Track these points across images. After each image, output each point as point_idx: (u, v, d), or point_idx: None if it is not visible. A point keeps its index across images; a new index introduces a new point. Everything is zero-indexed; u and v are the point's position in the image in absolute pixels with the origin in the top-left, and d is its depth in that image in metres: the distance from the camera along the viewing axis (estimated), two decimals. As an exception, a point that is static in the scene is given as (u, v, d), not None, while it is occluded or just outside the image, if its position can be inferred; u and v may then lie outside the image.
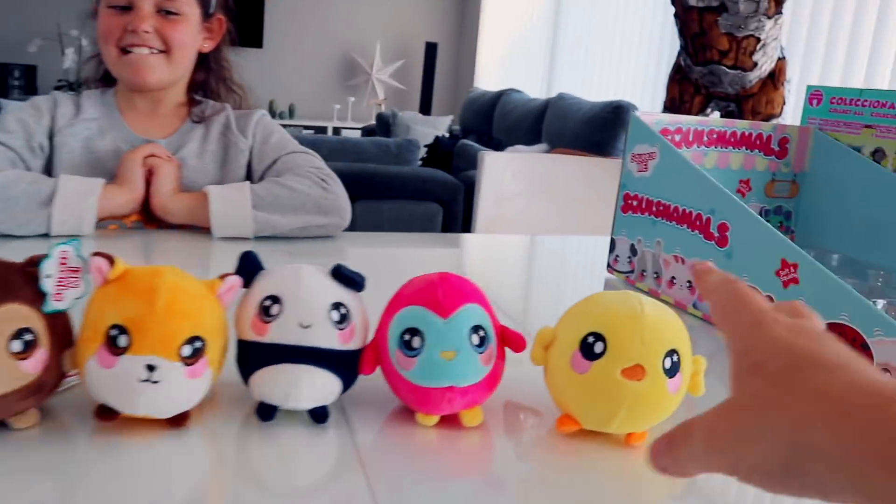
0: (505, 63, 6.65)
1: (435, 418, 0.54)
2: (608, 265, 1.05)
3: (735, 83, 2.61)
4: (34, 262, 0.49)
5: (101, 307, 0.49)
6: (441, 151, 3.90)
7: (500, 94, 5.37)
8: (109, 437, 0.50)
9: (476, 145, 3.78)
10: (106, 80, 1.28)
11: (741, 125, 1.07)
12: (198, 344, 0.49)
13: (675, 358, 0.51)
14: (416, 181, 3.08)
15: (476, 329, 0.52)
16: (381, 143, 3.31)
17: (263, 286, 0.52)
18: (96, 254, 0.49)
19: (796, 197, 1.13)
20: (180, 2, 1.16)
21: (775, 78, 2.66)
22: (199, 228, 1.10)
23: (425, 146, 4.07)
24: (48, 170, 1.14)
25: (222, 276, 0.52)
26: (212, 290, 0.52)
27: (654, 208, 0.95)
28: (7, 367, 0.47)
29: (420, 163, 3.85)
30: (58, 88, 6.58)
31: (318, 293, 0.52)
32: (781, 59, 2.63)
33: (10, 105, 1.18)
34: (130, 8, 1.14)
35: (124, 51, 1.15)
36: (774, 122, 2.59)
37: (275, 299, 0.51)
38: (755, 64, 2.56)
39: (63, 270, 0.49)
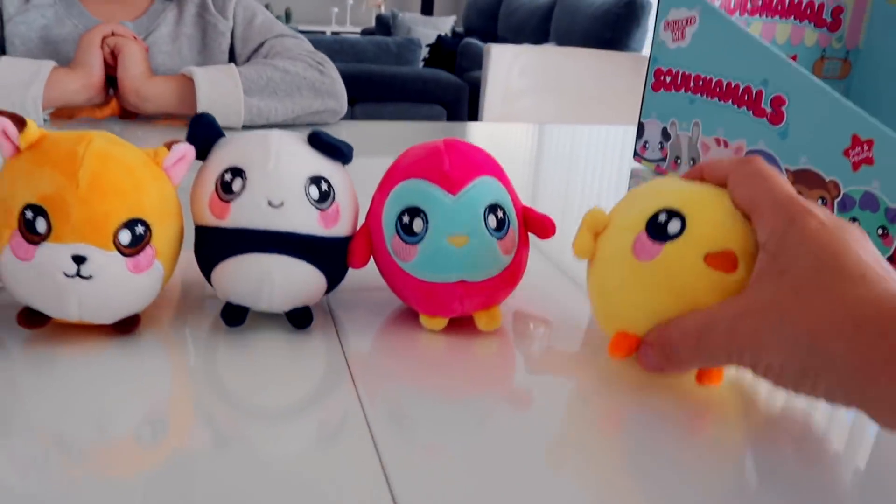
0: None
1: (443, 321, 0.43)
2: (635, 153, 0.93)
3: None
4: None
5: (11, 183, 0.38)
6: (444, 51, 3.71)
7: (505, -8, 5.12)
8: (42, 348, 0.40)
9: (481, 44, 3.59)
10: None
11: (789, -9, 0.93)
12: (139, 229, 0.38)
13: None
14: (417, 82, 2.92)
15: (493, 209, 0.41)
16: (381, 43, 3.14)
17: (222, 156, 0.41)
18: (2, 113, 0.38)
19: (848, 77, 1.00)
20: None
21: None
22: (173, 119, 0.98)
23: (427, 46, 3.88)
24: None
25: (168, 144, 0.41)
26: (156, 160, 0.40)
27: (692, 83, 0.82)
28: None
29: (422, 64, 3.67)
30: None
31: (294, 163, 0.40)
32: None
33: None
34: None
35: None
36: None
37: (237, 172, 0.40)
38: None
39: (-38, 136, 0.38)
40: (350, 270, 0.44)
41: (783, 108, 0.70)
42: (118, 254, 0.38)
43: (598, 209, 0.41)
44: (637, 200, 0.40)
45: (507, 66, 2.06)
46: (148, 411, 0.36)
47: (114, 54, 0.96)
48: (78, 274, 0.37)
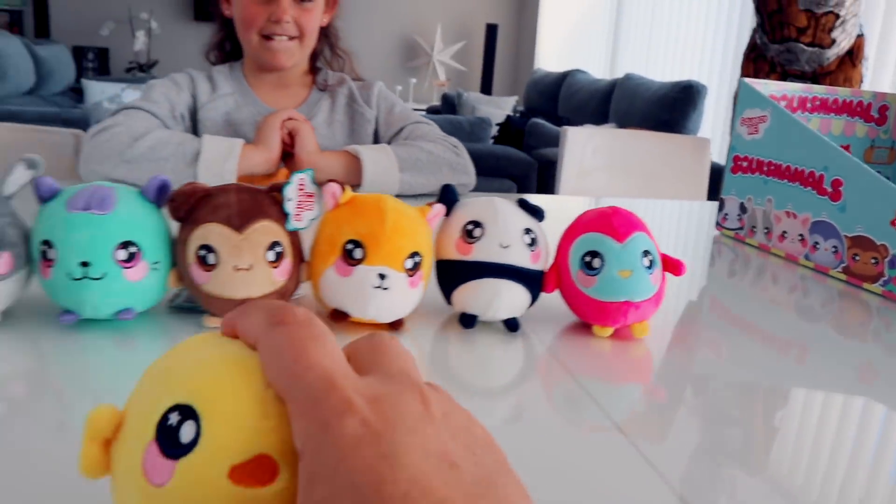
0: (566, 44, 6.66)
1: (610, 330, 0.62)
2: (717, 223, 1.12)
3: (812, 61, 2.63)
4: (277, 188, 0.59)
5: (336, 225, 0.58)
6: (513, 130, 3.97)
7: (564, 75, 5.41)
8: (339, 337, 0.60)
9: (548, 124, 3.84)
10: (229, 56, 1.40)
11: (843, 92, 1.12)
12: (417, 258, 0.58)
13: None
14: (490, 158, 3.16)
15: (646, 253, 0.61)
16: (455, 121, 3.40)
17: (464, 213, 0.62)
18: (330, 181, 0.59)
19: (894, 163, 1.18)
20: None
21: (854, 55, 2.66)
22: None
23: (497, 124, 4.15)
24: None
25: (430, 204, 0.61)
26: (423, 214, 0.61)
27: (765, 167, 1.01)
28: (265, 273, 0.57)
29: (492, 141, 3.93)
30: (129, 70, 6.77)
31: (513, 219, 0.61)
32: (860, 37, 2.63)
33: (151, 81, 1.27)
34: None
35: (264, 37, 1.24)
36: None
37: (476, 224, 0.60)
38: (833, 41, 2.57)
39: (301, 195, 0.59)
40: (542, 294, 0.64)
41: (841, 189, 0.89)
42: (405, 274, 0.58)
43: (102, 407, 0.28)
44: (149, 387, 0.29)
45: (581, 145, 2.28)
46: (427, 376, 0.56)
47: (290, 135, 1.19)
48: (380, 286, 0.57)
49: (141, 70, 6.76)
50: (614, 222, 0.61)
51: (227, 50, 1.40)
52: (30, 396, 0.50)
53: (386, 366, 0.27)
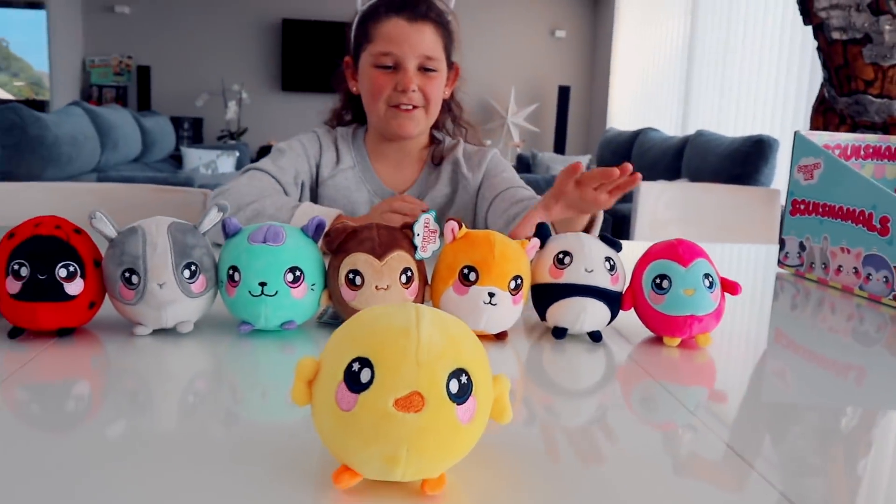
0: (638, 103, 6.81)
1: (677, 340, 0.75)
2: (779, 261, 1.23)
3: (882, 112, 2.70)
4: (408, 226, 0.74)
5: (454, 254, 0.73)
6: (585, 186, 4.09)
7: (637, 133, 5.55)
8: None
9: (619, 180, 3.95)
10: (352, 121, 1.45)
11: (893, 140, 1.23)
12: (518, 280, 0.73)
13: (464, 379, 0.42)
14: (565, 212, 3.29)
15: (706, 276, 0.74)
16: (532, 180, 3.56)
17: (555, 245, 0.76)
18: (450, 219, 0.74)
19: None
20: (437, 60, 1.30)
21: (923, 106, 2.72)
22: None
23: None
24: None
25: (528, 238, 0.76)
26: (522, 246, 0.75)
27: (821, 209, 1.13)
28: (399, 293, 0.72)
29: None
30: (220, 138, 7.15)
31: (596, 249, 0.75)
32: (929, 88, 2.69)
33: (281, 145, 1.37)
34: (396, 67, 1.28)
35: (391, 106, 1.30)
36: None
37: (566, 253, 0.74)
38: (901, 93, 2.64)
39: (426, 231, 0.74)
40: (621, 312, 0.77)
41: (889, 224, 1.00)
42: (509, 293, 0.72)
43: (308, 358, 0.43)
44: (339, 345, 0.43)
45: (654, 199, 2.40)
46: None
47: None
48: (489, 302, 0.72)
49: (231, 137, 7.20)
50: (679, 250, 0.74)
51: (346, 120, 1.47)
52: (210, 390, 0.66)
53: None
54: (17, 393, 0.60)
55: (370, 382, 0.40)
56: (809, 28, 2.71)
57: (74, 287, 0.69)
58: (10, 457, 0.48)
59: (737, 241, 2.31)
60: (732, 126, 4.95)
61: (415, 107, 1.31)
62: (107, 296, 0.73)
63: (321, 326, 0.79)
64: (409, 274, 0.73)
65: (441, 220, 1.34)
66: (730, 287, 0.76)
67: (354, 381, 0.40)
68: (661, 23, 6.29)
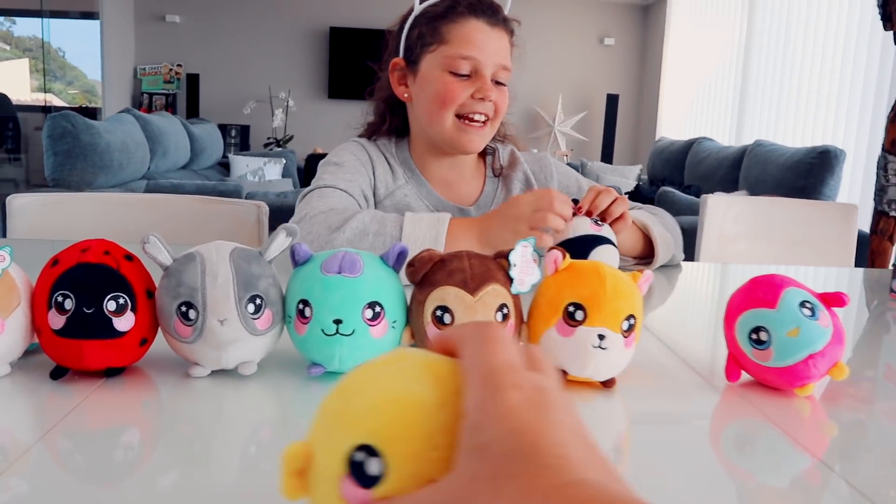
0: (689, 112, 6.63)
1: (811, 387, 0.64)
2: (891, 290, 1.11)
3: (968, 123, 2.53)
4: (503, 255, 0.64)
5: (557, 289, 0.63)
6: (642, 198, 3.97)
7: (691, 143, 5.38)
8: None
9: (678, 192, 3.82)
10: (389, 131, 1.31)
11: None
12: (632, 320, 0.62)
13: None
14: (623, 226, 3.16)
15: (803, 304, 0.63)
16: (586, 190, 3.44)
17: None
18: (552, 248, 0.64)
19: None
20: (509, 72, 1.19)
21: None
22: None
23: (626, 193, 4.16)
24: None
25: (640, 271, 0.66)
26: (635, 280, 0.65)
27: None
28: (494, 333, 0.62)
29: (620, 209, 3.95)
30: (266, 146, 7.18)
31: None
32: None
33: (333, 158, 1.24)
34: (471, 75, 1.16)
35: (459, 117, 1.17)
36: None
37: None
38: None
39: (524, 261, 0.64)
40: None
41: None
42: (621, 335, 0.62)
43: (294, 445, 0.34)
44: (332, 427, 0.33)
45: (722, 213, 2.27)
46: (616, 441, 0.59)
47: None
48: (599, 346, 0.61)
49: (278, 145, 7.20)
50: (759, 293, 0.64)
51: (383, 131, 1.32)
52: (274, 440, 0.57)
53: (547, 370, 0.33)
54: (60, 442, 0.53)
55: (381, 476, 0.31)
56: (880, 33, 2.56)
57: (125, 322, 0.61)
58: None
59: (809, 259, 2.17)
60: (791, 136, 4.76)
61: (485, 121, 1.19)
62: (160, 331, 0.64)
63: (399, 367, 0.70)
64: (505, 311, 0.63)
65: None
66: (834, 300, 0.65)
67: (360, 475, 0.31)
68: (714, 28, 6.12)
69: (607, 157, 7.34)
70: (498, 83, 1.18)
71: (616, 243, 1.04)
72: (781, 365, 0.63)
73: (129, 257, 0.63)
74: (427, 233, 1.02)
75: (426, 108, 1.20)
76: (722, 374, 0.68)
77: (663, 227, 1.20)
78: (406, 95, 1.24)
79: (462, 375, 0.32)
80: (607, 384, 0.65)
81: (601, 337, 0.61)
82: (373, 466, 0.31)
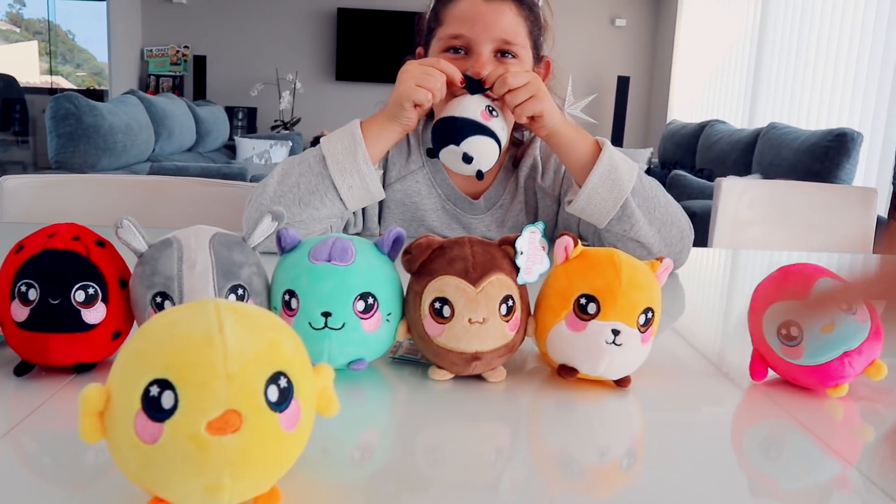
0: (701, 94, 6.53)
1: (845, 388, 0.58)
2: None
3: None
4: (509, 241, 0.59)
5: (568, 279, 0.58)
6: (652, 182, 3.90)
7: (703, 126, 5.29)
8: (565, 393, 0.59)
9: (690, 175, 3.75)
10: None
11: None
12: (650, 314, 0.57)
13: (283, 383, 0.36)
14: (634, 210, 3.10)
15: None
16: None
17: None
18: (563, 234, 0.59)
19: None
20: (517, 45, 1.10)
21: None
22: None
23: (636, 176, 4.09)
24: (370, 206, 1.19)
25: (658, 259, 0.60)
26: (653, 269, 0.59)
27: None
28: (498, 327, 0.57)
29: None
30: (274, 128, 7.13)
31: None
32: None
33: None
34: (468, 52, 1.10)
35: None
36: None
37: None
38: None
39: (532, 248, 0.59)
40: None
41: None
42: (637, 330, 0.56)
43: (93, 386, 0.35)
44: (130, 366, 0.35)
45: (736, 197, 2.20)
46: (631, 444, 0.54)
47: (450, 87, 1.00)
48: (613, 342, 0.56)
49: (285, 127, 7.14)
50: (790, 283, 0.58)
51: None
52: None
53: None
54: (26, 443, 0.49)
55: (175, 408, 0.34)
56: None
57: (95, 314, 0.56)
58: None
59: (827, 245, 2.11)
60: (805, 118, 4.66)
61: None
62: (134, 324, 0.59)
63: (394, 364, 0.64)
64: (510, 303, 0.57)
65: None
66: None
67: (155, 408, 0.34)
68: (728, 7, 6.00)
69: (618, 140, 7.24)
70: (506, 54, 1.10)
71: (502, 140, 0.95)
72: (813, 363, 0.57)
73: (101, 243, 0.58)
74: (343, 137, 1.01)
75: None
76: (746, 371, 0.63)
77: (637, 180, 1.00)
78: None
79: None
80: (621, 383, 0.59)
81: (615, 332, 0.56)
82: (166, 399, 0.33)
